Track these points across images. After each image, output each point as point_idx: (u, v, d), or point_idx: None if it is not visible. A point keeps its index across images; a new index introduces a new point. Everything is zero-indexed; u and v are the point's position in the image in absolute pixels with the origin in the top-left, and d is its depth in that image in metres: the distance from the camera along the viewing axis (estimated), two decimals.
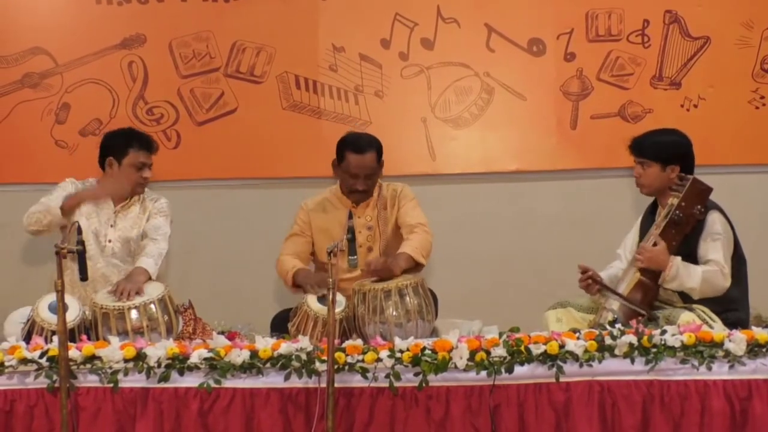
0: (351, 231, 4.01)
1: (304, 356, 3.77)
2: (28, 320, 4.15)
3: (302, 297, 4.33)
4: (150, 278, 4.36)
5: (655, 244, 4.15)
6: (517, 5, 5.59)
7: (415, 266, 4.47)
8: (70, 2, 5.66)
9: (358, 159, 4.56)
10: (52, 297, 4.02)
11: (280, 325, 4.38)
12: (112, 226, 4.59)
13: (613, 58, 5.57)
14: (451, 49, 5.60)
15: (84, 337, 3.97)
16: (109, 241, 4.58)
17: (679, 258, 4.13)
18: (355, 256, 4.09)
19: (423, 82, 5.62)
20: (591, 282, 4.27)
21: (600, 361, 3.74)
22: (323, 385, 3.69)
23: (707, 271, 4.12)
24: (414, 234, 4.54)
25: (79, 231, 3.85)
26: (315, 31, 5.60)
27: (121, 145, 4.58)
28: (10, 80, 5.62)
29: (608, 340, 3.78)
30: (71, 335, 3.93)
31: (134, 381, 3.78)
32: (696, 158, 4.37)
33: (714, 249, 4.16)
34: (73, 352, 3.76)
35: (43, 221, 4.46)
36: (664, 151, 4.28)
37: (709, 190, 4.17)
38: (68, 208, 4.49)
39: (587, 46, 5.57)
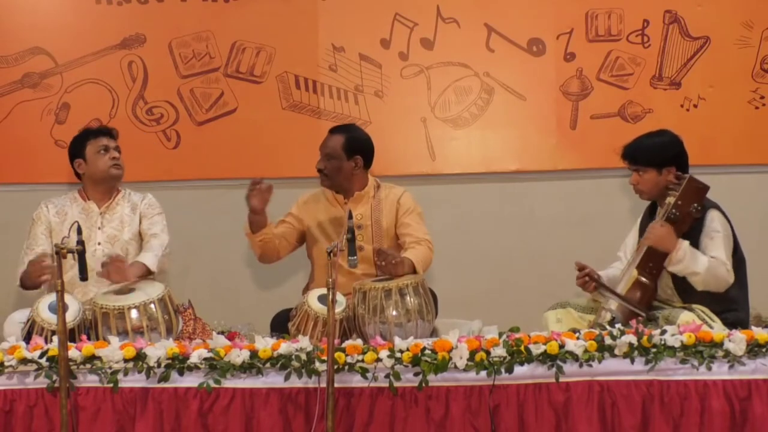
0: (351, 231, 4.01)
1: (304, 356, 3.77)
2: (27, 320, 4.15)
3: (303, 297, 4.33)
4: (149, 271, 4.38)
5: (662, 226, 4.14)
6: (517, 5, 5.58)
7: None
8: (70, 2, 5.65)
9: (324, 139, 4.68)
10: (52, 297, 4.02)
11: (280, 325, 4.37)
12: (99, 228, 4.58)
13: (613, 58, 5.57)
14: (451, 49, 5.60)
15: (84, 337, 3.97)
16: (98, 244, 4.55)
17: (687, 242, 4.12)
18: (355, 257, 4.08)
19: (423, 82, 5.61)
20: (588, 279, 4.26)
21: (600, 361, 3.74)
22: (323, 385, 3.69)
23: (712, 262, 4.11)
24: (420, 246, 4.54)
25: (79, 231, 3.85)
26: (315, 31, 5.60)
27: (79, 144, 4.64)
28: (10, 80, 5.62)
29: (608, 340, 3.78)
30: (71, 335, 3.93)
31: (134, 381, 3.78)
32: (696, 158, 4.37)
33: (714, 246, 4.15)
34: (73, 352, 3.76)
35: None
36: (659, 154, 4.26)
37: (705, 188, 4.16)
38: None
39: (587, 46, 5.57)
